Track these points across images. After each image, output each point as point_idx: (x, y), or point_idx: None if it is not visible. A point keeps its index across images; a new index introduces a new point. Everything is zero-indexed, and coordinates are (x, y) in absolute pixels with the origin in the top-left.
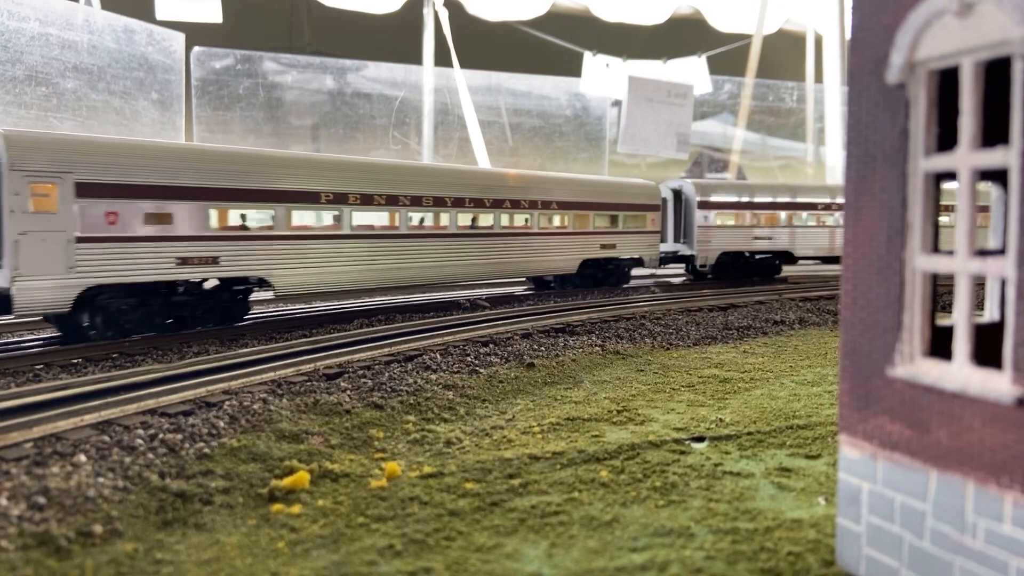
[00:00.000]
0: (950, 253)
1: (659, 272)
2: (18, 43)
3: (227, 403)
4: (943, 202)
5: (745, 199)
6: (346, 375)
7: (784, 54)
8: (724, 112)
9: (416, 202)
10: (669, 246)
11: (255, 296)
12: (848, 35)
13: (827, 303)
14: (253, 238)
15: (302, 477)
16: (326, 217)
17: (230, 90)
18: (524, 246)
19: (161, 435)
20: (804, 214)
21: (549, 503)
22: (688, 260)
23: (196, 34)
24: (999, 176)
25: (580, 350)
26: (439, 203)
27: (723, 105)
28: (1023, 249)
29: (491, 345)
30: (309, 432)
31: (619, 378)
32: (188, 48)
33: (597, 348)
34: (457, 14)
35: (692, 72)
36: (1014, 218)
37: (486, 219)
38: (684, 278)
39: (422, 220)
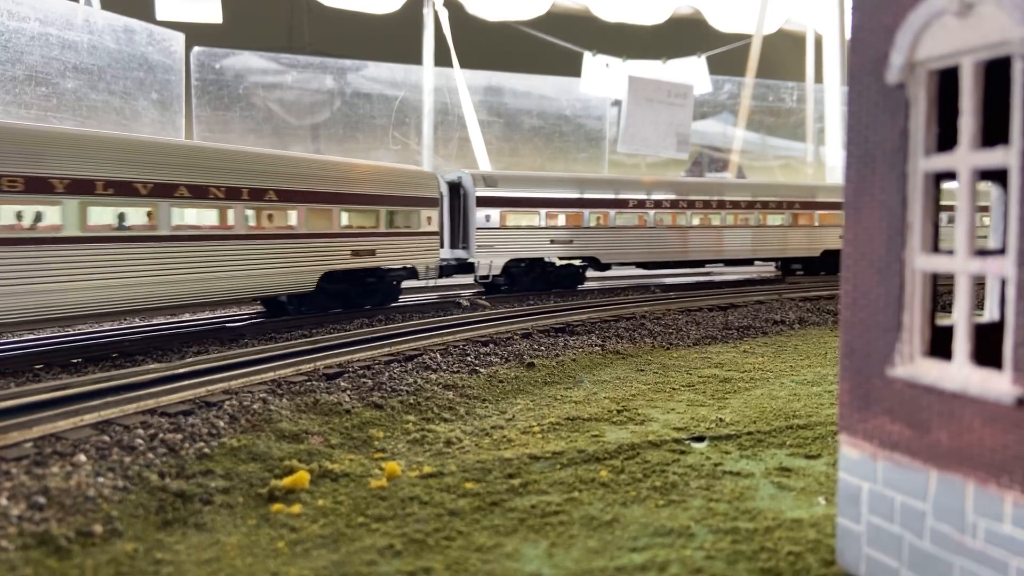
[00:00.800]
0: (950, 253)
1: (440, 283)
2: (18, 43)
3: (227, 403)
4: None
5: (539, 195)
6: (346, 375)
7: (784, 54)
8: (724, 112)
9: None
10: (447, 253)
11: None
12: (848, 35)
13: (827, 303)
14: None
15: (302, 477)
16: None
17: (230, 90)
18: (219, 256)
19: (161, 435)
20: (613, 212)
21: (549, 503)
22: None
23: (196, 34)
24: (999, 176)
25: (580, 350)
26: (37, 187)
27: (723, 105)
28: (1023, 249)
29: (491, 345)
30: (309, 432)
31: (619, 378)
32: (188, 48)
33: (597, 348)
34: (457, 14)
35: (692, 72)
36: (1014, 218)
37: (160, 216)
38: (475, 291)
39: (39, 217)
